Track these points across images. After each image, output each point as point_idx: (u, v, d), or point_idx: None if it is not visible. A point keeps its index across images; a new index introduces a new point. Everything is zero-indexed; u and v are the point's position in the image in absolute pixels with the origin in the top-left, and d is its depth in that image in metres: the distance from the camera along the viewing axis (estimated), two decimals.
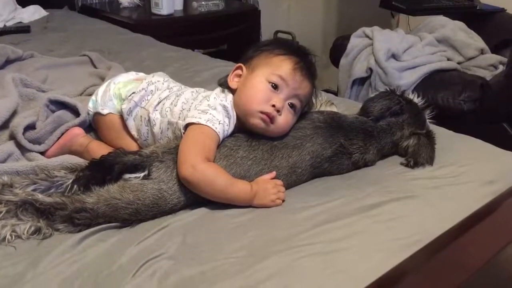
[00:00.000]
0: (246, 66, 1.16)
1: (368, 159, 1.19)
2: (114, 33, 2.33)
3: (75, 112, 1.29)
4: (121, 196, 0.97)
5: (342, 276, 0.84)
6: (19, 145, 1.18)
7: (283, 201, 1.05)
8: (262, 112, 1.08)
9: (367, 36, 2.41)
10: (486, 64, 2.33)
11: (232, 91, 1.15)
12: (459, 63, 2.34)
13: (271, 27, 3.31)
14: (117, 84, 1.28)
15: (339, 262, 0.87)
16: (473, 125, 2.06)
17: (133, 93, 1.22)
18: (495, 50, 2.43)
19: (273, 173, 1.07)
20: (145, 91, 1.22)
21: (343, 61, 2.43)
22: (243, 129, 1.12)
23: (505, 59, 2.25)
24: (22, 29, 2.31)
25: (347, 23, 3.28)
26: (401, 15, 3.11)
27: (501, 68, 2.29)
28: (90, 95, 1.40)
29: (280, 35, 3.31)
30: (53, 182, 1.02)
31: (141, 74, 1.36)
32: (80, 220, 0.94)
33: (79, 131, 1.26)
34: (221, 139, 1.07)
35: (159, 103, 1.18)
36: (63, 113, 1.27)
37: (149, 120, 1.17)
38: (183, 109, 1.13)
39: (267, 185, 1.03)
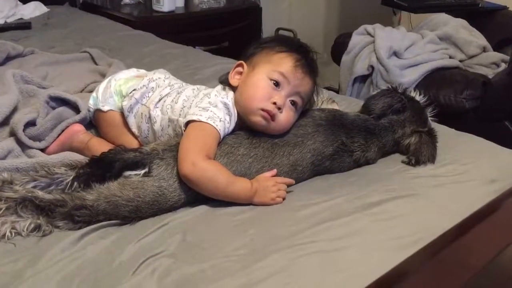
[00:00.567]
0: (247, 63, 1.15)
1: (370, 157, 1.18)
2: (115, 29, 2.32)
3: (76, 108, 1.29)
4: (121, 193, 0.96)
5: (343, 274, 0.84)
6: (20, 142, 1.18)
7: (284, 199, 1.04)
8: (263, 110, 1.07)
9: (368, 34, 2.40)
10: (488, 62, 2.32)
11: (233, 88, 1.14)
12: (461, 61, 2.33)
13: (272, 24, 3.30)
14: (118, 81, 1.28)
15: (339, 260, 0.86)
16: (475, 123, 2.05)
17: (134, 90, 1.22)
18: (497, 48, 2.41)
19: (274, 171, 1.06)
20: (146, 88, 1.21)
21: (344, 58, 2.43)
22: (244, 126, 1.12)
23: (507, 57, 2.24)
24: (23, 25, 2.30)
25: (348, 21, 3.27)
26: (403, 12, 3.09)
27: (503, 66, 2.27)
28: (91, 91, 1.39)
29: (281, 32, 3.30)
30: (53, 179, 1.02)
31: (142, 71, 1.36)
32: (80, 217, 0.94)
33: (79, 127, 1.25)
34: (221, 137, 1.07)
35: (160, 100, 1.18)
36: (63, 110, 1.27)
37: (149, 117, 1.17)
38: (184, 106, 1.13)
39: (268, 183, 1.03)
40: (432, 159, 1.19)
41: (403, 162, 1.20)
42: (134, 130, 1.21)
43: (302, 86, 1.12)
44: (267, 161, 1.07)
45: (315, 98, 1.23)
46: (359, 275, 0.83)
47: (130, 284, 0.80)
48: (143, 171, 1.01)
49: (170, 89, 1.20)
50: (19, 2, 2.52)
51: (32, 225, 0.92)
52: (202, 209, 1.01)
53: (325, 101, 1.35)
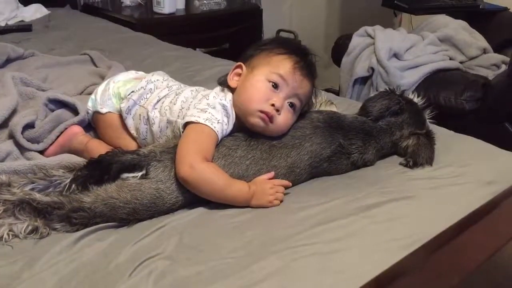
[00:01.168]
0: (246, 65, 1.15)
1: (367, 159, 1.18)
2: (115, 32, 2.33)
3: (75, 111, 1.29)
4: (118, 195, 0.97)
5: (340, 276, 0.84)
6: (18, 144, 1.18)
7: (281, 201, 1.04)
8: (261, 111, 1.07)
9: (369, 35, 2.40)
10: (488, 63, 2.32)
11: (232, 90, 1.15)
12: (461, 62, 2.33)
13: (273, 26, 3.30)
14: (117, 83, 1.28)
15: (336, 262, 0.86)
16: (475, 125, 2.05)
17: (132, 92, 1.22)
18: (497, 49, 2.41)
19: (272, 173, 1.07)
20: (144, 89, 1.22)
21: (344, 60, 2.43)
22: (243, 128, 1.12)
23: (507, 59, 2.24)
24: (23, 27, 2.31)
25: (349, 22, 3.27)
26: (404, 14, 3.09)
27: (503, 67, 2.27)
28: (90, 94, 1.39)
29: (282, 34, 3.30)
30: (51, 181, 1.02)
31: (141, 73, 1.36)
32: (78, 220, 0.94)
33: (78, 129, 1.26)
34: (219, 139, 1.07)
35: (158, 101, 1.18)
36: (62, 112, 1.27)
37: (148, 118, 1.17)
38: (182, 108, 1.13)
39: (265, 185, 1.03)
40: (430, 161, 1.19)
41: (401, 164, 1.20)
42: (133, 132, 1.22)
43: (301, 88, 1.12)
44: (264, 163, 1.08)
45: (314, 100, 1.23)
46: (356, 277, 0.83)
47: (126, 286, 0.80)
48: (140, 173, 1.01)
49: (168, 90, 1.21)
50: (20, 4, 2.53)
51: (30, 228, 0.92)
52: (200, 211, 1.01)
53: (324, 103, 1.35)
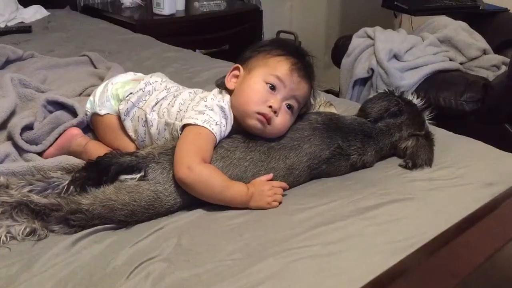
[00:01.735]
0: (243, 67, 1.15)
1: (366, 161, 1.18)
2: (115, 33, 2.33)
3: (73, 112, 1.29)
4: (116, 197, 0.96)
5: (338, 279, 0.83)
6: (17, 146, 1.18)
7: (280, 203, 1.04)
8: (259, 113, 1.07)
9: (369, 36, 2.40)
10: (488, 64, 2.32)
11: (230, 91, 1.14)
12: (461, 63, 2.33)
13: (273, 27, 3.30)
14: (115, 85, 1.28)
15: (334, 264, 0.86)
16: (475, 126, 2.05)
17: (131, 93, 1.22)
18: (497, 50, 2.41)
19: (270, 175, 1.06)
20: (143, 91, 1.22)
21: (344, 61, 2.43)
22: (241, 130, 1.12)
23: (507, 60, 2.23)
24: (23, 29, 2.31)
25: (349, 23, 3.27)
26: (404, 15, 3.09)
27: (503, 68, 2.27)
28: (89, 95, 1.39)
29: (282, 35, 3.30)
30: (49, 183, 1.02)
31: (139, 75, 1.36)
32: (76, 222, 0.94)
33: (77, 131, 1.26)
34: (218, 140, 1.07)
35: (156, 103, 1.18)
36: (61, 114, 1.27)
37: (146, 120, 1.17)
38: (180, 110, 1.13)
39: (264, 187, 1.03)
40: (429, 162, 1.19)
41: (400, 165, 1.20)
42: (131, 133, 1.21)
43: (298, 89, 1.12)
44: (263, 164, 1.07)
45: (313, 101, 1.23)
46: (355, 279, 0.83)
47: None
48: (139, 175, 1.01)
49: (166, 92, 1.21)
50: (20, 6, 2.53)
51: (28, 229, 0.92)
52: (198, 213, 1.01)
53: (323, 104, 1.35)
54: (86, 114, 1.29)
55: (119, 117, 1.23)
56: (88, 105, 1.29)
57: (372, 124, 1.21)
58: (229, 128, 1.10)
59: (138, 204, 0.97)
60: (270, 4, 3.31)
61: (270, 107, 1.07)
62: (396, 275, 0.81)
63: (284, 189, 1.07)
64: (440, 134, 1.30)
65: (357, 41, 2.41)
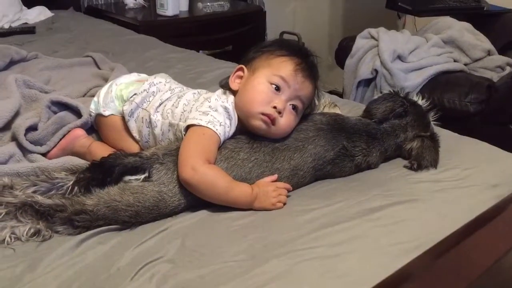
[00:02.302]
0: (247, 67, 1.15)
1: (371, 162, 1.18)
2: (118, 34, 2.33)
3: (77, 113, 1.29)
4: (121, 198, 0.96)
5: (343, 280, 0.83)
6: (21, 147, 1.18)
7: (284, 204, 1.04)
8: (263, 114, 1.07)
9: (372, 37, 2.40)
10: (493, 65, 2.31)
11: (234, 92, 1.14)
12: (465, 64, 2.32)
13: (276, 28, 3.30)
14: (119, 86, 1.28)
15: (339, 266, 0.86)
16: (479, 127, 2.04)
17: (135, 94, 1.22)
18: (502, 51, 2.40)
19: (275, 176, 1.06)
20: (147, 92, 1.21)
21: (348, 62, 2.42)
22: (245, 130, 1.11)
23: None
24: (27, 29, 2.32)
25: (353, 24, 3.27)
26: (408, 16, 3.08)
27: (508, 69, 2.26)
28: (93, 96, 1.39)
29: (285, 36, 3.30)
30: (54, 184, 1.02)
31: (143, 76, 1.36)
32: (80, 222, 0.94)
33: (80, 132, 1.26)
34: (222, 141, 1.07)
35: (160, 104, 1.18)
36: (65, 114, 1.27)
37: (150, 121, 1.17)
38: (184, 111, 1.12)
39: (268, 188, 1.03)
40: (434, 164, 1.18)
41: (405, 167, 1.20)
42: (135, 134, 1.21)
43: (303, 90, 1.11)
44: (267, 165, 1.07)
45: (317, 102, 1.23)
46: (359, 281, 0.83)
47: None
48: (143, 176, 1.01)
49: (170, 93, 1.20)
50: (24, 7, 2.54)
51: (32, 230, 0.92)
52: (202, 214, 1.00)
53: (327, 105, 1.34)
54: (90, 115, 1.29)
55: (123, 118, 1.23)
56: (92, 106, 1.29)
57: (377, 125, 1.21)
58: (233, 129, 1.10)
59: (142, 205, 0.97)
60: (274, 5, 3.31)
61: (275, 107, 1.07)
62: (404, 277, 0.80)
63: (288, 191, 1.06)
64: (445, 135, 1.30)
65: (361, 42, 2.41)
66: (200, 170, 0.98)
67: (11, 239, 0.91)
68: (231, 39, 2.80)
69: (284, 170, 1.08)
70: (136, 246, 0.90)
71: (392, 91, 1.28)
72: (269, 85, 1.09)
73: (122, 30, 2.40)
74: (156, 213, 0.98)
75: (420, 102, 1.29)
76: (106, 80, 1.54)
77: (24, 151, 1.18)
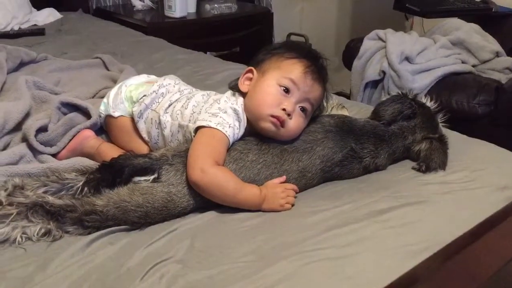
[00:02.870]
0: (257, 70, 1.15)
1: (379, 164, 1.18)
2: (127, 35, 2.35)
3: (87, 114, 1.30)
4: (130, 199, 0.97)
5: (351, 282, 0.83)
6: (31, 147, 1.19)
7: (293, 205, 1.04)
8: (272, 116, 1.07)
9: (380, 39, 2.39)
10: (501, 67, 2.30)
11: (243, 94, 1.15)
12: (474, 66, 2.31)
13: (284, 29, 3.31)
14: (129, 87, 1.29)
15: (348, 268, 0.86)
16: (488, 129, 2.03)
17: (144, 95, 1.23)
18: (510, 53, 2.39)
19: (283, 178, 1.06)
20: (156, 93, 1.22)
21: (356, 63, 2.42)
22: (254, 132, 1.12)
23: None
24: (37, 31, 2.34)
25: (360, 26, 3.26)
26: (415, 17, 3.07)
27: None
28: (102, 97, 1.40)
29: (292, 37, 3.31)
30: (64, 185, 1.02)
31: (153, 77, 1.37)
32: (90, 223, 0.94)
33: (89, 133, 1.27)
34: (231, 143, 1.07)
35: (169, 105, 1.19)
36: (74, 116, 1.28)
37: (159, 122, 1.17)
38: (194, 112, 1.13)
39: (277, 189, 1.03)
40: (442, 165, 1.18)
41: (413, 168, 1.19)
42: (144, 135, 1.22)
43: (312, 92, 1.12)
44: (276, 167, 1.07)
45: (325, 104, 1.23)
46: (368, 283, 0.83)
47: None
48: (152, 177, 1.02)
49: (180, 94, 1.21)
50: (33, 9, 2.56)
51: (43, 230, 0.93)
52: (211, 215, 1.01)
53: (335, 107, 1.34)
54: (100, 116, 1.30)
55: (132, 119, 1.24)
56: (102, 107, 1.30)
57: (385, 127, 1.21)
58: (242, 131, 1.10)
59: (151, 206, 0.97)
60: (281, 7, 3.31)
61: (284, 109, 1.07)
62: (414, 279, 0.80)
63: (295, 192, 1.07)
64: (453, 137, 1.29)
65: (368, 44, 2.41)
66: (209, 172, 0.98)
67: (22, 239, 0.92)
68: (238, 40, 2.81)
69: (293, 171, 1.08)
70: (145, 246, 0.90)
71: (400, 93, 1.28)
72: (279, 87, 1.09)
73: (130, 32, 2.42)
74: (165, 213, 0.99)
75: (429, 104, 1.28)
76: (115, 81, 1.55)
77: (35, 152, 1.19)
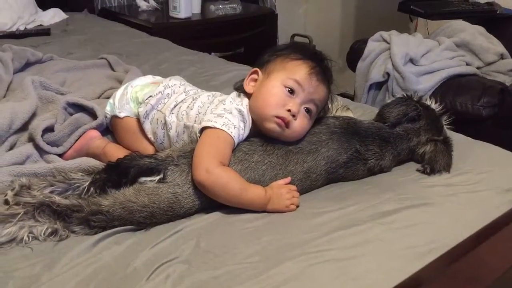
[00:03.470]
0: (262, 71, 1.16)
1: (384, 165, 1.18)
2: (132, 36, 2.35)
3: (93, 114, 1.31)
4: (136, 199, 0.98)
5: (356, 283, 0.84)
6: (38, 147, 1.20)
7: (297, 206, 1.04)
8: (277, 117, 1.08)
9: (384, 40, 2.40)
10: (505, 69, 2.30)
11: (248, 95, 1.15)
12: (478, 68, 2.31)
13: (288, 30, 3.31)
14: (135, 88, 1.29)
15: (352, 269, 0.86)
16: (492, 131, 2.03)
17: (150, 96, 1.23)
18: None
19: (288, 179, 1.07)
20: (162, 94, 1.23)
21: (360, 65, 2.42)
22: (259, 133, 1.12)
23: None
24: (42, 31, 2.34)
25: (364, 27, 3.27)
26: (420, 19, 3.07)
27: None
28: (108, 98, 1.41)
29: (297, 38, 3.31)
30: (70, 184, 1.03)
31: (158, 78, 1.37)
32: (96, 223, 0.95)
33: (95, 133, 1.27)
34: (236, 143, 1.08)
35: (175, 106, 1.19)
36: (80, 116, 1.29)
37: (165, 123, 1.18)
38: (199, 113, 1.14)
39: (282, 190, 1.03)
40: (447, 168, 1.18)
41: (418, 170, 1.20)
42: (150, 136, 1.23)
43: (317, 93, 1.12)
44: (281, 168, 1.08)
45: (330, 105, 1.23)
46: (372, 284, 0.83)
47: None
48: (158, 177, 1.02)
49: (185, 95, 1.22)
50: (39, 9, 2.56)
51: (49, 230, 0.93)
52: (216, 215, 1.01)
53: (340, 108, 1.35)
54: (106, 117, 1.31)
55: (138, 119, 1.25)
56: (107, 108, 1.31)
57: (390, 129, 1.21)
58: (247, 132, 1.11)
59: (157, 206, 0.98)
60: (285, 8, 3.31)
61: (289, 110, 1.08)
62: (420, 282, 0.80)
63: (300, 194, 1.07)
64: (458, 140, 1.30)
65: (372, 45, 2.41)
66: (214, 172, 0.99)
67: (29, 238, 0.93)
68: (242, 41, 2.81)
69: (297, 172, 1.09)
70: (151, 246, 0.91)
71: (405, 95, 1.28)
72: (284, 88, 1.10)
73: (135, 32, 2.42)
74: (171, 214, 0.99)
75: (433, 106, 1.29)
76: (120, 82, 1.56)
77: (41, 151, 1.20)
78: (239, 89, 1.18)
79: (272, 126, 1.08)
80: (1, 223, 0.93)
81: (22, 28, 2.36)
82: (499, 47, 2.37)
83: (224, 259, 0.89)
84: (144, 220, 0.97)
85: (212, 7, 2.85)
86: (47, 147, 1.20)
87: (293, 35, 3.34)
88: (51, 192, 1.01)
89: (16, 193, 0.99)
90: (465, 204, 1.06)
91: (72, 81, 1.61)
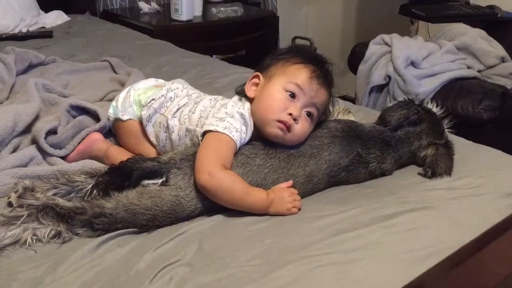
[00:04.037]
0: (263, 75, 1.16)
1: (385, 169, 1.18)
2: (134, 38, 2.36)
3: (96, 117, 1.31)
4: (139, 202, 0.98)
5: (357, 286, 0.84)
6: (41, 150, 1.20)
7: (299, 209, 1.05)
8: (279, 121, 1.08)
9: (386, 43, 2.40)
10: (506, 72, 2.30)
11: (250, 99, 1.16)
12: (479, 71, 2.31)
13: (289, 33, 3.32)
14: (137, 91, 1.30)
15: (354, 273, 0.87)
16: (493, 134, 2.03)
17: (153, 99, 1.24)
18: None
19: (290, 182, 1.07)
20: (165, 98, 1.23)
21: (361, 68, 2.42)
22: (260, 137, 1.13)
23: None
24: (44, 34, 2.35)
25: (365, 30, 3.27)
26: (421, 22, 3.08)
27: None
28: (110, 100, 1.42)
29: (298, 41, 3.32)
30: (73, 187, 1.04)
31: (161, 81, 1.38)
32: (99, 225, 0.95)
33: (98, 136, 1.28)
34: (238, 147, 1.08)
35: (178, 110, 1.20)
36: (83, 118, 1.29)
37: (167, 126, 1.19)
38: (201, 117, 1.14)
39: (284, 193, 1.04)
40: (448, 171, 1.19)
41: (419, 174, 1.20)
42: (152, 139, 1.23)
43: (318, 97, 1.13)
44: (282, 171, 1.08)
45: (331, 109, 1.24)
46: None
47: None
48: (160, 180, 1.03)
49: (188, 99, 1.22)
50: (41, 11, 2.57)
51: (53, 232, 0.94)
52: (218, 218, 1.02)
53: (341, 111, 1.35)
54: (109, 119, 1.31)
55: (141, 122, 1.25)
56: (110, 111, 1.31)
57: (392, 132, 1.21)
58: (249, 135, 1.11)
59: (160, 209, 0.98)
60: (286, 10, 3.32)
61: (290, 114, 1.08)
62: (423, 286, 0.81)
63: (302, 197, 1.07)
64: (459, 143, 1.30)
65: (374, 48, 2.41)
66: (216, 176, 0.99)
67: (32, 240, 0.93)
68: (244, 44, 2.82)
69: (299, 176, 1.09)
70: (154, 249, 0.91)
71: (407, 98, 1.29)
72: (285, 92, 1.10)
73: (137, 35, 2.43)
74: (173, 217, 1.00)
75: (435, 109, 1.29)
76: (122, 84, 1.56)
77: (44, 154, 1.21)
78: (241, 93, 1.18)
79: (274, 130, 1.09)
80: (5, 225, 0.94)
81: (24, 30, 2.37)
82: (500, 51, 2.37)
83: (226, 262, 0.89)
84: (147, 222, 0.98)
85: (214, 10, 2.86)
86: (50, 150, 1.20)
87: (294, 38, 3.34)
88: (55, 194, 1.02)
89: (19, 195, 1.00)
90: (466, 208, 1.07)
91: (74, 83, 1.62)
